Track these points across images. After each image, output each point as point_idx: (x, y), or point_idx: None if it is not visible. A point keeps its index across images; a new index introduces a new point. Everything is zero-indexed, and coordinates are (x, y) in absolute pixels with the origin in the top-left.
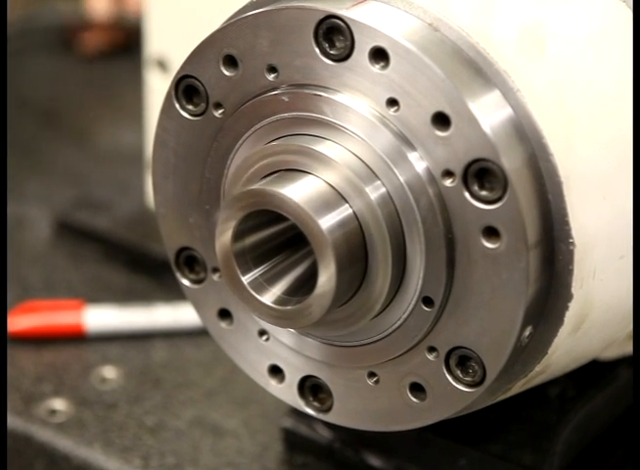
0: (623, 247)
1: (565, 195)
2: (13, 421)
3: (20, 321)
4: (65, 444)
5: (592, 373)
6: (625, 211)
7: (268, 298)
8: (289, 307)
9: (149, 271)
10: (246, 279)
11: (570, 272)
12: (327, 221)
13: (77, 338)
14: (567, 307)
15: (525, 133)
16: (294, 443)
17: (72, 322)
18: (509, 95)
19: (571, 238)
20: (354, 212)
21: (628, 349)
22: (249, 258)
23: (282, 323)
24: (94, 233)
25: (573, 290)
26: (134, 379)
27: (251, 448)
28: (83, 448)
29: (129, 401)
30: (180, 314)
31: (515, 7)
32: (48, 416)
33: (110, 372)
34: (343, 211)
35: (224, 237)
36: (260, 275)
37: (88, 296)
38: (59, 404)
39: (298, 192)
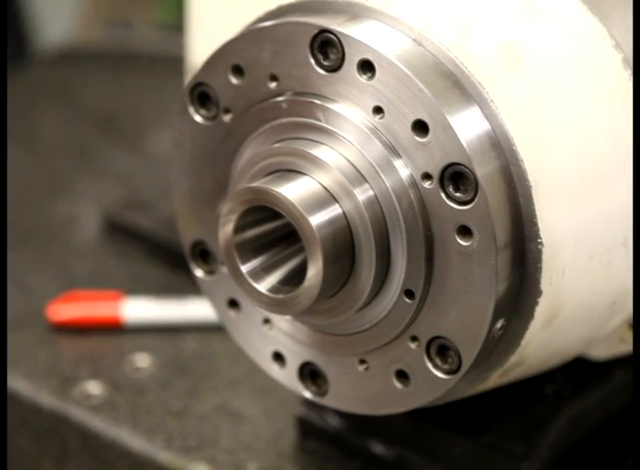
0: (593, 248)
1: (534, 198)
2: (51, 402)
3: (61, 311)
4: (96, 424)
5: (588, 373)
6: (595, 216)
7: (264, 285)
8: (280, 296)
9: (187, 269)
10: (244, 268)
11: (539, 270)
12: (317, 219)
13: (115, 327)
14: (536, 303)
15: (497, 140)
16: (306, 430)
17: (110, 313)
18: (483, 105)
19: (540, 238)
20: (344, 212)
21: (619, 349)
22: (249, 248)
23: (274, 310)
24: (139, 232)
25: (542, 286)
26: (165, 367)
27: (267, 434)
28: (113, 429)
29: (158, 388)
30: (211, 309)
31: (495, 25)
32: (83, 399)
33: (143, 360)
34: (333, 211)
35: (226, 228)
36: (259, 264)
37: (129, 289)
38: (94, 388)
39: (293, 191)
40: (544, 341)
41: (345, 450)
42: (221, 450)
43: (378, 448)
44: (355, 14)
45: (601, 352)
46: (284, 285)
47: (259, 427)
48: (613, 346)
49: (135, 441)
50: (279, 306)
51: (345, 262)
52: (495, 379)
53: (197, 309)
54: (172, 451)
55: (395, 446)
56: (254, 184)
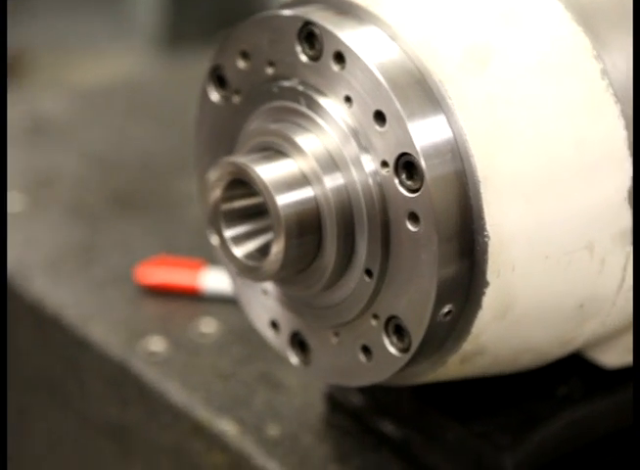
0: (549, 249)
1: (482, 193)
2: (117, 353)
3: (146, 274)
4: (151, 377)
5: (606, 380)
6: (552, 218)
7: (241, 251)
8: (249, 264)
9: None
10: (227, 233)
11: (485, 262)
12: (284, 199)
13: (193, 294)
14: (483, 293)
15: (452, 136)
16: (333, 405)
17: (189, 281)
18: (442, 102)
19: (486, 231)
20: (315, 196)
21: (629, 359)
22: (235, 215)
23: (245, 275)
24: None
25: (489, 278)
26: (227, 335)
27: (298, 405)
28: (163, 383)
29: (215, 352)
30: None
31: (467, 27)
32: (146, 355)
33: (209, 327)
34: (304, 194)
35: (214, 193)
36: (244, 231)
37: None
38: (157, 346)
39: (269, 171)
40: (501, 333)
41: (365, 428)
42: (250, 413)
43: (388, 428)
44: (343, 10)
45: (611, 360)
46: (262, 254)
47: (293, 397)
48: (622, 355)
49: (178, 395)
50: (248, 273)
51: (310, 241)
52: (457, 365)
53: None
54: (208, 409)
55: (403, 428)
56: (238, 159)
